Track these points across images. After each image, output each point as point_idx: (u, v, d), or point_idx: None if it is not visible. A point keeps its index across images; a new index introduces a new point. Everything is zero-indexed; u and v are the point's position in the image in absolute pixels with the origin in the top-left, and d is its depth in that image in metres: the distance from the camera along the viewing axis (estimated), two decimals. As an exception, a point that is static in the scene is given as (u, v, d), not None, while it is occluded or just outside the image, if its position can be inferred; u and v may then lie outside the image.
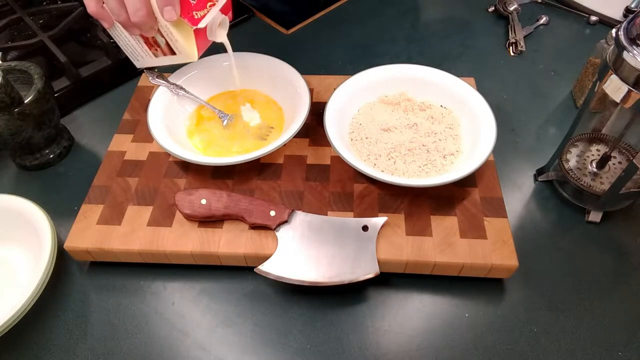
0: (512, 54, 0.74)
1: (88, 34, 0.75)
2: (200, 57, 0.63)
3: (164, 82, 0.59)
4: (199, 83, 0.61)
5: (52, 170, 0.60)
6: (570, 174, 0.53)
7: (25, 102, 0.52)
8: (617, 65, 0.42)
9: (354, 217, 0.50)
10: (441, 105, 0.59)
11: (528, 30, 0.77)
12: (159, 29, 0.49)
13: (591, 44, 0.63)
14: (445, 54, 0.75)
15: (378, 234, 0.48)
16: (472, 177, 0.52)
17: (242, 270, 0.50)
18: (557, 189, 0.56)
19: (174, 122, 0.58)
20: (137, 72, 0.71)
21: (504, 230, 0.49)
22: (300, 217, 0.49)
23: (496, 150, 0.53)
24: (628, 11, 0.75)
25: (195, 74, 0.61)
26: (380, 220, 0.48)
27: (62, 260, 0.51)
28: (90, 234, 0.49)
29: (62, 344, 0.46)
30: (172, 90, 0.59)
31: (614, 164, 0.55)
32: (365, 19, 0.81)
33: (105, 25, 0.50)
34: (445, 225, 0.49)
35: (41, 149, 0.59)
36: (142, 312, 0.48)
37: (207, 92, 0.62)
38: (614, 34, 0.43)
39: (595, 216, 0.53)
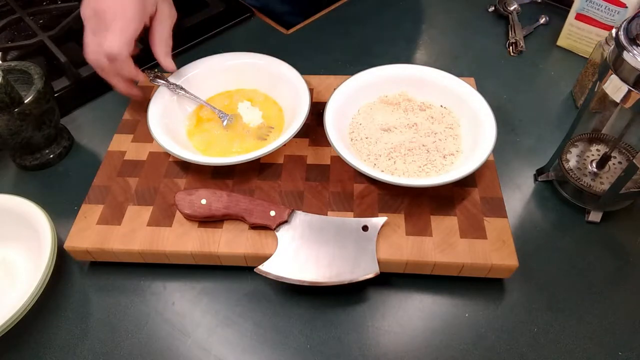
0: (512, 54, 0.74)
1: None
2: (200, 57, 0.63)
3: (163, 82, 0.59)
4: (198, 83, 0.61)
5: (52, 170, 0.60)
6: (570, 174, 0.53)
7: (25, 102, 0.52)
8: (617, 65, 0.42)
9: (354, 217, 0.50)
10: (441, 105, 0.59)
11: (528, 30, 0.77)
12: None
13: (591, 44, 0.63)
14: (445, 54, 0.75)
15: (378, 234, 0.48)
16: (472, 177, 0.52)
17: (242, 270, 0.50)
18: (557, 189, 0.56)
19: (174, 123, 0.58)
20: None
21: (504, 230, 0.49)
22: (300, 217, 0.49)
23: (496, 150, 0.53)
24: (628, 11, 0.75)
25: (194, 74, 0.61)
26: (380, 220, 0.48)
27: (62, 260, 0.51)
28: (90, 234, 0.49)
29: (62, 343, 0.46)
30: (172, 90, 0.59)
31: (614, 164, 0.55)
32: (365, 19, 0.81)
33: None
34: (445, 225, 0.49)
35: (41, 149, 0.59)
36: (142, 312, 0.48)
37: (206, 92, 0.62)
38: (614, 34, 0.43)
39: (595, 216, 0.53)
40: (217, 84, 0.63)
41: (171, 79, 0.60)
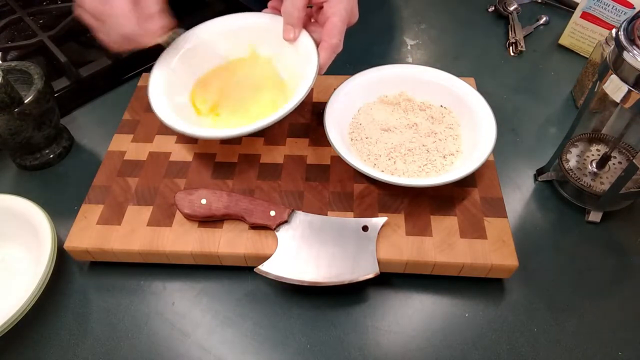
0: (512, 54, 0.74)
1: (88, 34, 0.75)
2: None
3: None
4: (196, 56, 0.59)
5: (52, 170, 0.60)
6: (570, 174, 0.53)
7: (25, 102, 0.52)
8: (617, 65, 0.42)
9: (354, 217, 0.50)
10: (441, 105, 0.59)
11: (528, 30, 0.77)
12: None
13: (591, 44, 0.63)
14: (445, 53, 0.75)
15: (378, 234, 0.48)
16: (472, 177, 0.52)
17: (242, 270, 0.50)
18: (557, 189, 0.56)
19: (181, 109, 0.56)
20: (137, 72, 0.71)
21: (504, 230, 0.49)
22: (300, 217, 0.49)
23: (496, 150, 0.53)
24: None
25: (190, 47, 0.59)
26: (380, 220, 0.48)
27: (62, 260, 0.51)
28: (90, 234, 0.49)
29: (62, 343, 0.46)
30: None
31: (614, 164, 0.55)
32: (365, 19, 0.81)
33: None
34: (445, 225, 0.49)
35: (41, 149, 0.59)
36: (142, 312, 0.48)
37: (204, 65, 0.60)
38: (614, 34, 0.43)
39: (595, 216, 0.53)
40: (221, 51, 0.60)
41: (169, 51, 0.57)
